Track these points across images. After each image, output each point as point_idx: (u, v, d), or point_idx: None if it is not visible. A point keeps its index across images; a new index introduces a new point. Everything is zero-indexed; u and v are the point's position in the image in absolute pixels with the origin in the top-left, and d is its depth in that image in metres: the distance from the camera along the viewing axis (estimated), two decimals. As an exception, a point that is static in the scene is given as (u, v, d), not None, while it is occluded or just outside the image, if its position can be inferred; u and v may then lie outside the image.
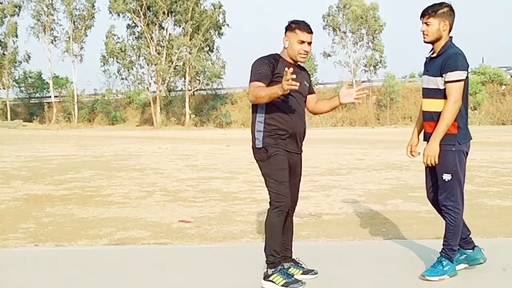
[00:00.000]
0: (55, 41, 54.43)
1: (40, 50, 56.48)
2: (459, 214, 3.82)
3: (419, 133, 4.10)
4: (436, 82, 3.77)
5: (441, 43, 3.79)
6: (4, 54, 53.37)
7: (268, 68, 3.63)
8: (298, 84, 3.44)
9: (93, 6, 53.87)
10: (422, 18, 3.82)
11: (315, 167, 11.99)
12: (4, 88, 54.81)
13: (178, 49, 50.33)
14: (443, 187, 3.83)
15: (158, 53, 52.00)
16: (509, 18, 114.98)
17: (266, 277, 3.63)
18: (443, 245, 3.88)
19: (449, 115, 3.70)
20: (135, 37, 53.57)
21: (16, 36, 53.83)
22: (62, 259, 4.56)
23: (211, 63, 52.82)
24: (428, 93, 3.88)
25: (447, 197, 3.81)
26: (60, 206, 7.19)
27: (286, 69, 3.31)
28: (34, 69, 59.19)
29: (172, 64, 51.12)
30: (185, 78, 52.50)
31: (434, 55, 3.83)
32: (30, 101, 59.44)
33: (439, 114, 3.77)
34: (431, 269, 3.84)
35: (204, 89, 55.03)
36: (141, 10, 50.61)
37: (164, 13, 50.76)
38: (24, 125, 48.95)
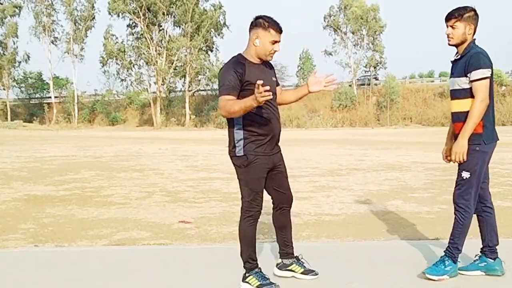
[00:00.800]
0: (56, 41, 54.50)
1: (40, 50, 56.43)
2: (469, 213, 3.85)
3: (452, 137, 4.06)
4: (460, 83, 3.80)
5: (465, 45, 3.82)
6: (4, 54, 53.37)
7: (236, 78, 3.50)
8: (271, 94, 3.34)
9: (93, 7, 53.90)
10: (447, 22, 3.83)
11: (315, 168, 11.98)
12: (4, 89, 54.85)
13: (178, 50, 50.32)
14: (460, 183, 3.84)
15: (158, 54, 52.01)
16: (509, 19, 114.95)
17: (244, 278, 3.70)
18: (449, 243, 3.89)
19: (477, 113, 3.71)
20: (135, 38, 53.59)
21: (17, 37, 53.86)
22: (62, 260, 4.56)
23: (210, 63, 52.83)
24: (454, 94, 3.91)
25: (461, 195, 3.83)
26: (60, 206, 7.19)
27: (258, 82, 3.22)
28: (34, 70, 59.28)
29: (172, 64, 51.12)
30: (185, 79, 52.51)
31: (458, 57, 3.86)
32: (30, 102, 59.49)
33: (466, 114, 3.77)
34: (433, 267, 3.85)
35: (204, 90, 55.05)
36: (140, 11, 50.62)
37: (163, 14, 50.76)
38: (24, 126, 49.00)
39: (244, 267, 3.71)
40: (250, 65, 3.59)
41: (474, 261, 4.02)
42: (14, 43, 53.79)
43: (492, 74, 3.76)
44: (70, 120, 53.73)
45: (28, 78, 58.19)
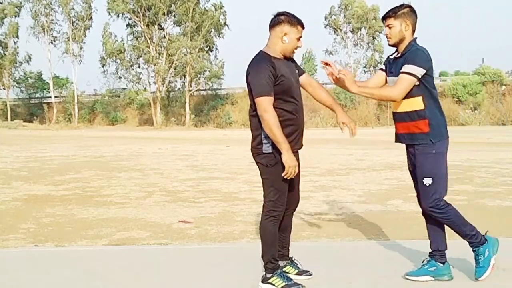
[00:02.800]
0: (55, 41, 54.46)
1: (40, 50, 56.49)
2: (448, 209, 3.79)
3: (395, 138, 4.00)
4: (400, 75, 3.71)
5: (405, 43, 3.77)
6: (4, 54, 53.36)
7: (270, 76, 3.47)
8: (296, 171, 3.49)
9: (90, 6, 53.83)
10: (384, 22, 3.81)
11: (315, 168, 11.98)
12: (4, 89, 54.85)
13: (178, 49, 50.32)
14: (424, 191, 3.79)
15: (158, 54, 52.01)
16: (509, 19, 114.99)
17: (265, 280, 3.61)
18: (464, 238, 3.82)
19: (383, 94, 3.78)
20: (135, 37, 53.58)
21: (17, 37, 53.83)
22: (62, 260, 4.56)
23: (210, 63, 52.83)
24: None
25: (429, 201, 3.76)
26: (60, 206, 7.19)
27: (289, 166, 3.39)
28: (34, 70, 59.24)
29: (172, 64, 51.12)
30: (185, 79, 52.51)
31: (398, 55, 3.81)
32: (30, 102, 59.47)
33: (409, 113, 3.74)
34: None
35: (204, 90, 55.06)
36: (140, 10, 50.60)
37: (164, 13, 50.74)
38: (24, 126, 48.99)
39: (266, 267, 3.61)
40: (277, 60, 3.57)
41: (423, 265, 3.93)
42: (14, 43, 53.86)
43: (431, 72, 3.72)
44: (70, 120, 53.72)
45: (28, 78, 58.21)
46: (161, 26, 52.54)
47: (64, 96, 56.84)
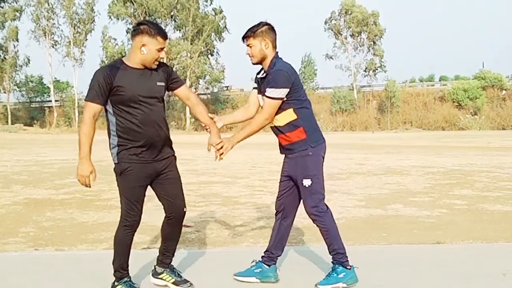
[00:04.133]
0: (56, 45, 54.50)
1: (41, 54, 56.45)
2: (327, 216, 3.81)
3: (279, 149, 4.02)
4: (264, 98, 3.79)
5: (268, 61, 3.82)
6: (5, 58, 53.42)
7: (103, 85, 3.39)
8: (86, 182, 3.48)
9: (93, 10, 53.88)
10: (244, 42, 3.83)
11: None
12: (5, 92, 54.89)
13: (178, 53, 50.38)
14: (305, 193, 3.81)
15: (159, 57, 52.10)
16: (510, 24, 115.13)
17: (112, 286, 3.67)
18: (330, 252, 3.86)
19: (257, 125, 3.82)
20: (135, 41, 53.66)
21: (17, 40, 53.89)
22: (62, 264, 4.55)
23: (211, 67, 52.89)
24: None
25: (310, 203, 3.79)
26: (60, 210, 7.19)
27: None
28: (35, 74, 59.29)
29: (172, 68, 51.21)
30: (185, 82, 52.62)
31: (264, 75, 3.85)
32: (31, 105, 59.50)
33: (284, 126, 3.81)
34: (325, 278, 3.82)
35: (204, 94, 55.10)
36: (141, 14, 50.69)
37: (165, 17, 50.84)
38: (24, 129, 48.99)
39: (114, 275, 3.66)
40: (125, 71, 3.45)
41: (251, 267, 4.00)
42: (14, 47, 53.92)
43: (297, 83, 3.77)
44: (71, 124, 53.73)
45: (29, 82, 58.27)
46: (161, 29, 52.64)
47: (64, 100, 56.84)
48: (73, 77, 55.61)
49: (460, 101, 50.33)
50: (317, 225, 3.84)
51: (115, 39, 53.75)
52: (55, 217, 6.70)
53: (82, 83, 60.38)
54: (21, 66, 54.72)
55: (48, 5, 53.17)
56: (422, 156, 16.69)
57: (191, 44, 50.73)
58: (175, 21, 52.51)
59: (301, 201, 3.88)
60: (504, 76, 52.96)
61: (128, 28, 53.29)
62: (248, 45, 3.80)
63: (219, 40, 53.90)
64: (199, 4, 51.79)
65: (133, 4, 50.73)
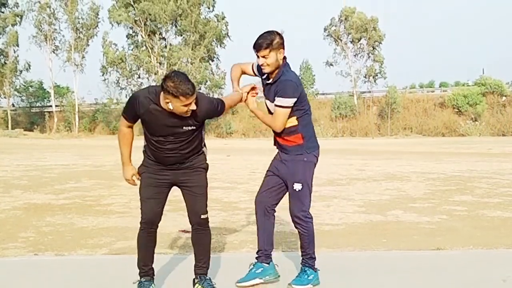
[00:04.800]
0: (57, 50, 54.55)
1: (41, 59, 56.45)
2: (310, 222, 3.93)
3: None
4: (275, 107, 3.89)
5: (277, 70, 3.88)
6: (5, 63, 53.48)
7: (133, 110, 3.61)
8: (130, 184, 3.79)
9: (97, 15, 53.95)
10: (258, 52, 3.80)
11: (315, 177, 11.92)
12: (5, 97, 54.92)
13: (179, 59, 50.47)
14: (294, 197, 3.92)
15: (159, 63, 52.15)
16: (510, 30, 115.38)
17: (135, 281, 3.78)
18: (302, 255, 3.99)
19: (268, 123, 3.95)
20: (135, 46, 53.72)
21: (17, 45, 53.95)
22: (62, 269, 4.55)
23: (211, 73, 53.00)
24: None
25: (298, 207, 3.90)
26: (60, 215, 7.18)
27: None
28: (35, 78, 59.31)
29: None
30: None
31: (271, 81, 3.91)
32: (31, 110, 59.52)
33: (285, 130, 3.91)
34: (297, 279, 3.92)
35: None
36: (142, 20, 50.79)
37: (166, 23, 50.96)
38: (24, 134, 49.02)
39: (139, 273, 3.78)
40: (156, 107, 3.52)
41: (250, 270, 4.05)
42: (14, 52, 53.96)
43: (302, 93, 3.88)
44: (71, 129, 53.72)
45: (29, 87, 58.32)
46: (162, 35, 52.73)
47: (64, 105, 56.86)
48: (74, 82, 55.60)
49: (460, 107, 50.32)
50: (298, 229, 3.95)
51: (115, 45, 53.81)
52: (55, 222, 6.69)
53: (82, 88, 60.42)
54: (21, 71, 54.76)
55: (50, 10, 53.26)
56: (422, 162, 16.69)
57: (192, 50, 50.81)
58: (176, 27, 52.61)
59: (289, 203, 3.97)
60: (504, 82, 52.96)
61: (128, 34, 53.39)
62: (262, 56, 3.80)
63: (220, 46, 54.02)
64: (200, 10, 51.92)
65: (134, 10, 50.83)
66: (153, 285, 3.78)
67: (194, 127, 3.61)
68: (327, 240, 5.62)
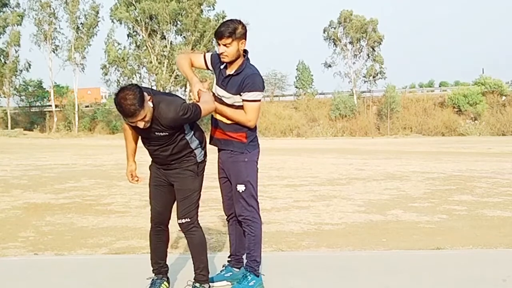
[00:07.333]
0: (57, 50, 54.51)
1: (41, 58, 56.46)
2: (257, 223, 3.83)
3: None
4: (234, 99, 3.75)
5: (239, 61, 3.75)
6: (5, 63, 53.44)
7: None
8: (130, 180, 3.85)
9: (97, 14, 53.92)
10: (219, 40, 3.67)
11: (315, 177, 11.98)
12: (5, 97, 54.90)
13: (179, 58, 50.45)
14: (238, 197, 3.84)
15: (159, 63, 52.14)
16: (510, 29, 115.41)
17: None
18: (247, 258, 3.86)
19: (237, 120, 3.76)
20: (136, 46, 53.71)
21: (19, 45, 53.91)
22: (61, 268, 4.55)
23: (211, 72, 53.03)
24: (227, 106, 3.80)
25: (244, 207, 3.81)
26: (60, 215, 7.18)
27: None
28: (34, 78, 59.31)
29: (173, 73, 51.23)
30: (185, 88, 52.62)
31: (232, 72, 3.75)
32: (31, 110, 59.54)
33: (230, 125, 3.80)
34: (237, 284, 3.81)
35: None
36: (143, 19, 50.78)
37: (167, 23, 50.94)
38: (24, 134, 49.05)
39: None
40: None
41: (221, 271, 4.03)
42: (15, 52, 53.95)
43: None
44: (71, 128, 53.75)
45: (29, 87, 58.33)
46: (163, 35, 52.72)
47: (64, 105, 56.86)
48: (73, 81, 55.60)
49: (460, 106, 50.38)
50: (245, 230, 3.85)
51: (119, 43, 53.82)
52: (54, 221, 6.69)
53: (82, 87, 60.33)
54: (21, 70, 54.73)
55: (51, 9, 53.22)
56: (422, 162, 16.69)
57: (192, 49, 50.80)
58: (176, 26, 52.61)
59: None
60: (504, 82, 53.04)
61: (129, 33, 53.39)
62: (224, 45, 3.66)
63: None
64: (201, 9, 51.95)
65: (136, 8, 50.83)
66: (165, 283, 3.78)
67: (167, 133, 3.50)
68: (327, 239, 5.62)
